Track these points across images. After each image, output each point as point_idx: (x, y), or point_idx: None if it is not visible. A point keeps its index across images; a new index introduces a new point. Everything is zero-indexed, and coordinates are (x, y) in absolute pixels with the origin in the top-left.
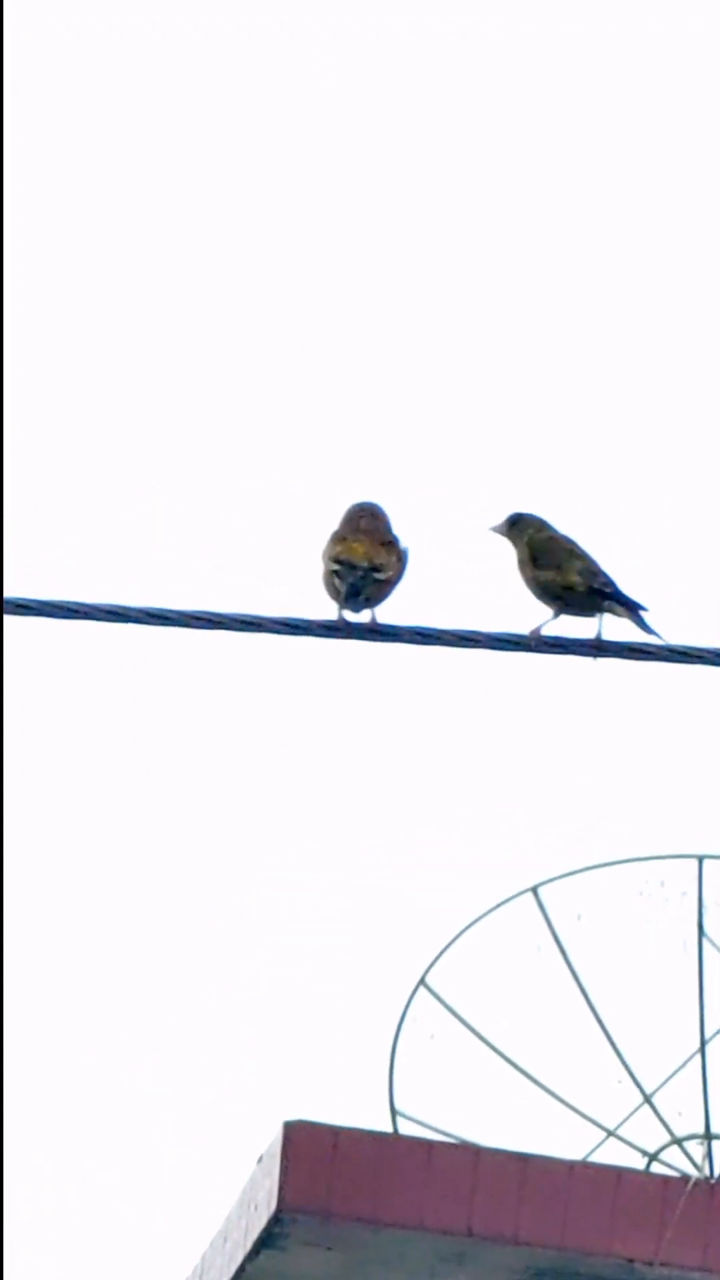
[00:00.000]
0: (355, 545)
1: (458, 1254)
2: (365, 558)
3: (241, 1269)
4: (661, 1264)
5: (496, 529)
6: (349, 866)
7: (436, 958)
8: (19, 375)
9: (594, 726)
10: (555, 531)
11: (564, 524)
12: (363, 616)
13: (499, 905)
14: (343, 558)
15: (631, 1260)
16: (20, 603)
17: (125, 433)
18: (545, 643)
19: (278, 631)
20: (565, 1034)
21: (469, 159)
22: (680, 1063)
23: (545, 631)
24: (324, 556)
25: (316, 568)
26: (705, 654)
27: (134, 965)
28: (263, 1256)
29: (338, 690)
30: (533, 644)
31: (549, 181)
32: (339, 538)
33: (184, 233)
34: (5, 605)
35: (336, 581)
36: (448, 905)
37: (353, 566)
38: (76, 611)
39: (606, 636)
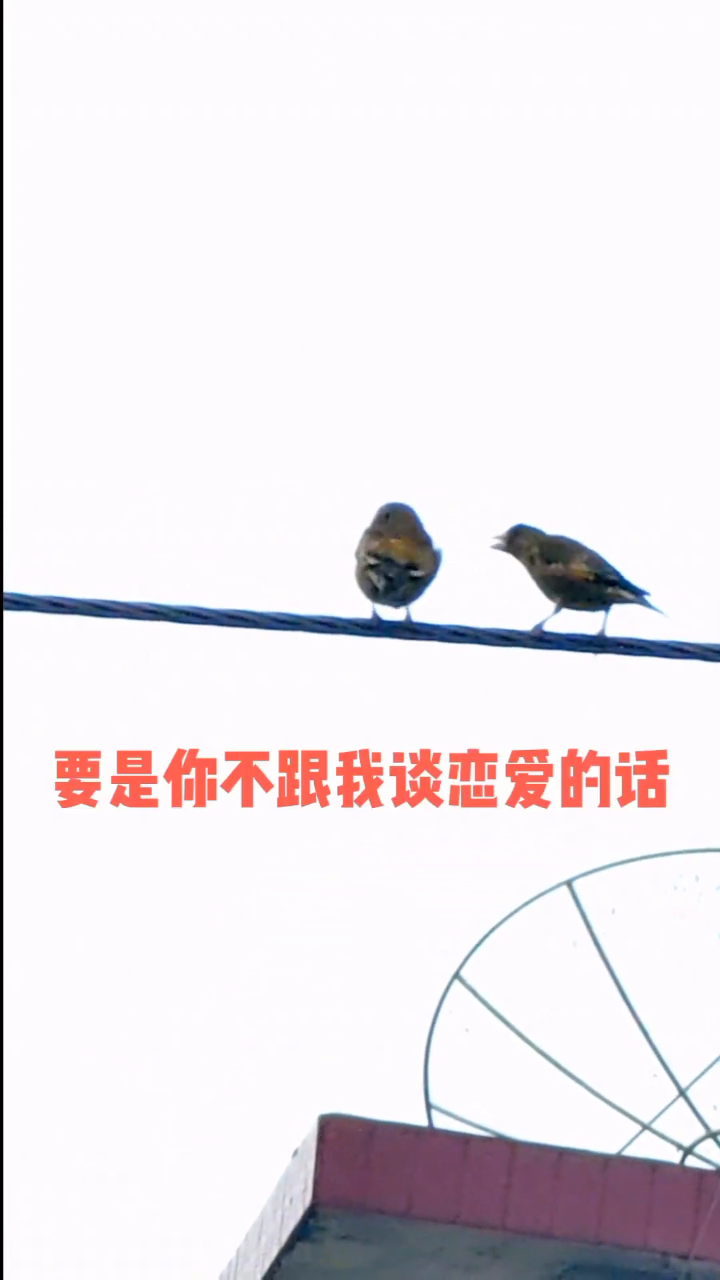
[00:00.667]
0: (393, 542)
1: (493, 1248)
2: (404, 554)
3: (276, 1262)
4: (696, 1257)
5: (497, 546)
6: (385, 859)
7: (471, 952)
8: (32, 369)
9: (629, 721)
10: (553, 535)
11: (567, 527)
12: (398, 614)
13: (534, 899)
14: (381, 553)
15: (666, 1253)
16: (56, 600)
17: (151, 431)
18: (544, 638)
19: (314, 630)
20: (600, 1028)
21: (481, 167)
22: (715, 1056)
23: (547, 627)
24: (359, 553)
25: (348, 565)
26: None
27: (169, 958)
28: (297, 1250)
29: (372, 687)
30: (532, 639)
31: (557, 187)
32: (375, 534)
33: (189, 230)
34: (39, 603)
35: (373, 576)
36: (483, 899)
37: (391, 562)
38: (111, 610)
39: (611, 633)
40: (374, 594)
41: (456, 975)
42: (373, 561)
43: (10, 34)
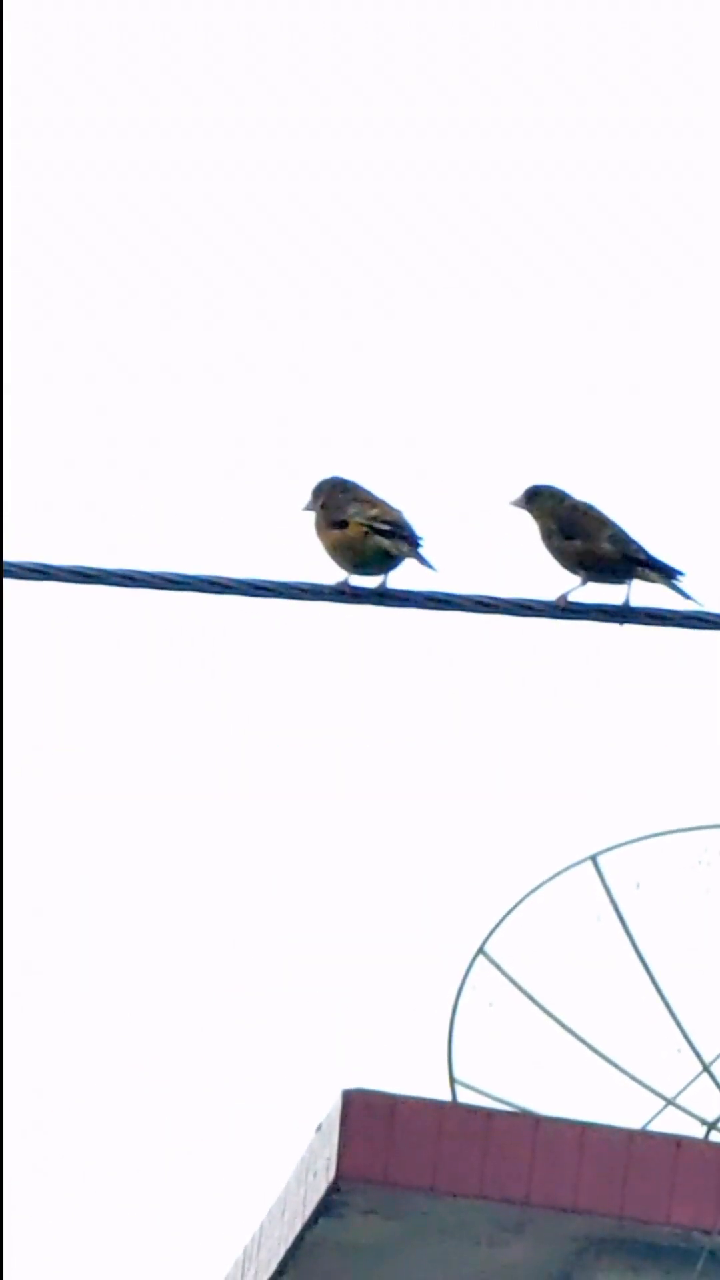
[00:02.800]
0: (385, 508)
1: (516, 1223)
2: (403, 520)
3: (300, 1238)
4: None
5: (515, 503)
6: (408, 833)
7: (495, 926)
8: (29, 354)
9: (655, 693)
10: (576, 500)
11: (582, 492)
12: (372, 582)
13: (558, 874)
14: (389, 518)
15: (690, 1229)
16: (33, 567)
17: (131, 407)
18: (569, 609)
19: (334, 600)
20: (624, 1002)
21: (474, 143)
22: None
23: (572, 599)
24: (353, 519)
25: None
26: None
27: (192, 932)
28: (321, 1225)
29: (385, 656)
30: (558, 609)
31: (555, 160)
32: (364, 500)
33: (186, 224)
34: (9, 568)
35: (386, 542)
36: (506, 873)
37: (407, 526)
38: (89, 576)
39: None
40: (382, 561)
41: (481, 950)
42: (385, 528)
43: (10, 34)
